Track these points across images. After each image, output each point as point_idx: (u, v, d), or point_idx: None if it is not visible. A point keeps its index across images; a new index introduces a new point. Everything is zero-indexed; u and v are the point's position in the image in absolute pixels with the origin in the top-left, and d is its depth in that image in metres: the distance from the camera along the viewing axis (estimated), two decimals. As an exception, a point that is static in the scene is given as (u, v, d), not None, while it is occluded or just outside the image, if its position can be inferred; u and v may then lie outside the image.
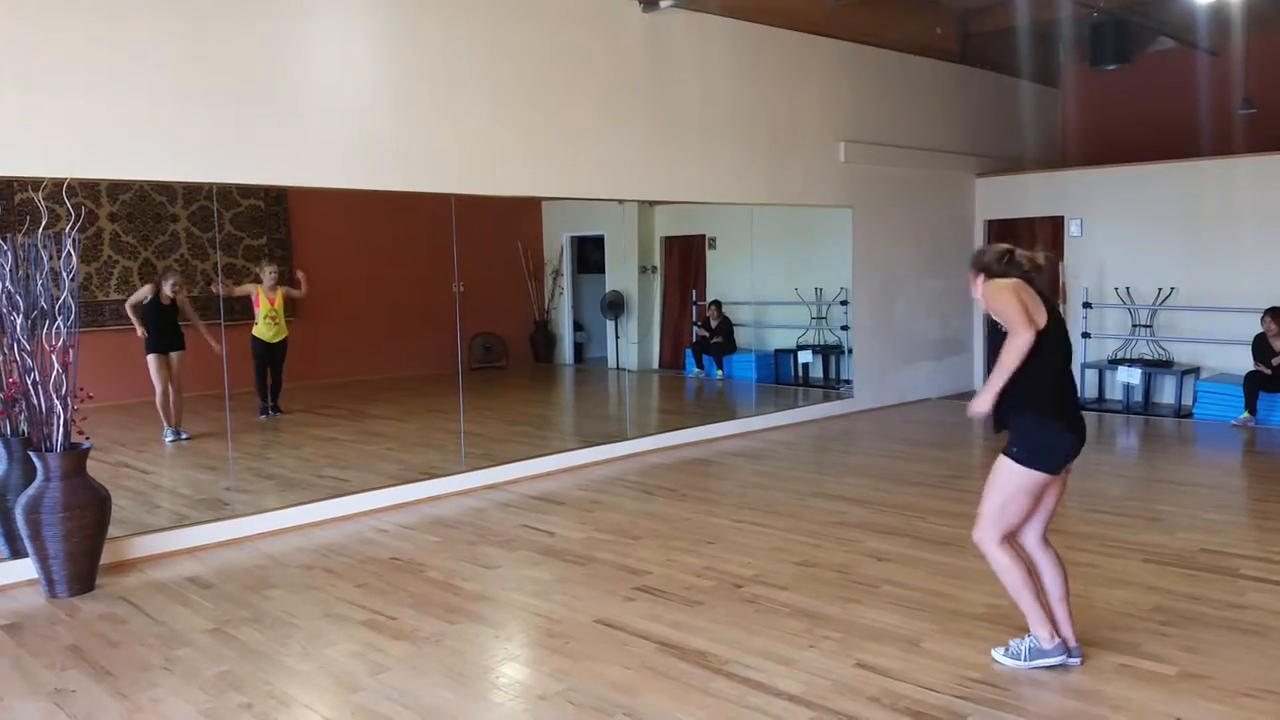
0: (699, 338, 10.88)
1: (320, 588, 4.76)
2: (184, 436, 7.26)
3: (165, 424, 7.17)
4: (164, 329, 7.08)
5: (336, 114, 5.95)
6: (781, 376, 10.45)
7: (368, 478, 6.70)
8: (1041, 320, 3.41)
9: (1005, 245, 3.64)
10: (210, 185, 6.22)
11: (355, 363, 9.24)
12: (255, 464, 7.06)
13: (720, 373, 10.74)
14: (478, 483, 6.75)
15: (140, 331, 6.99)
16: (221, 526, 5.63)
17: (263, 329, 7.84)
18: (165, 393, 7.08)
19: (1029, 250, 3.59)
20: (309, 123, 5.83)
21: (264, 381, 7.99)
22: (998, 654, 3.71)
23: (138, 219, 7.69)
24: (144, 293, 7.09)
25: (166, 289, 7.05)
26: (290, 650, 4.01)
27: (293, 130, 5.76)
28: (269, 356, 7.93)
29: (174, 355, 7.10)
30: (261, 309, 7.83)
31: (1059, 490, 3.67)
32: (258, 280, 7.99)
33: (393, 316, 9.11)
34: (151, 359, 7.03)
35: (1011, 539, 3.63)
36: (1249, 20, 9.19)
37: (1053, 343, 3.44)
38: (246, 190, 8.08)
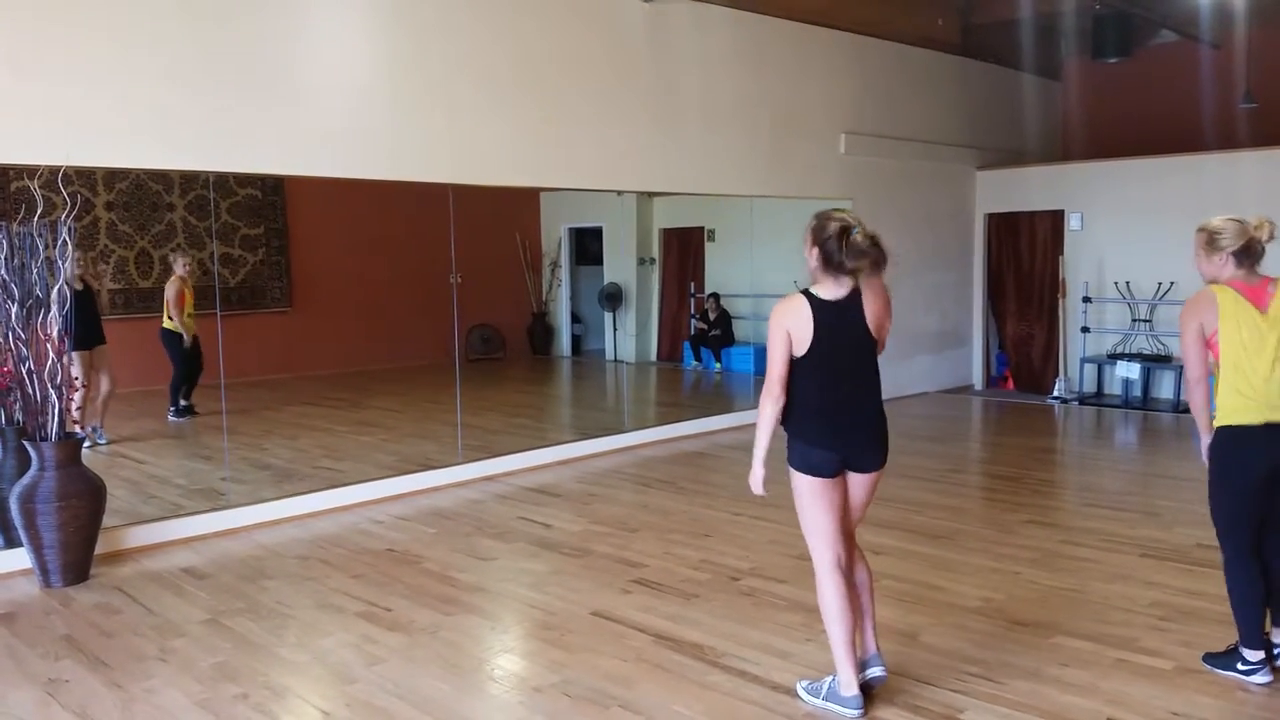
0: (697, 330, 10.86)
1: (316, 579, 4.75)
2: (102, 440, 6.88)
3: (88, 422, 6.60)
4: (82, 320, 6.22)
5: (334, 103, 5.91)
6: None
7: (364, 469, 6.69)
8: (801, 348, 3.18)
9: (841, 220, 3.20)
10: (207, 174, 6.19)
11: (352, 353, 9.22)
12: (251, 454, 7.03)
13: (718, 365, 10.73)
14: (474, 474, 6.73)
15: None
16: (217, 517, 5.62)
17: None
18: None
19: (865, 229, 3.20)
20: (307, 112, 5.79)
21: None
22: (800, 685, 3.43)
23: (134, 208, 7.67)
24: None
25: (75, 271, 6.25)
26: (285, 641, 3.99)
27: (290, 119, 5.72)
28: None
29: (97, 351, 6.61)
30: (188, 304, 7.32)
31: (857, 498, 3.34)
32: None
33: (390, 307, 9.10)
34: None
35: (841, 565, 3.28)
36: (1251, 14, 9.15)
37: (815, 360, 3.20)
38: (244, 179, 8.05)
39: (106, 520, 4.98)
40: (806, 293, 3.26)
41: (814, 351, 3.20)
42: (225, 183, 8.00)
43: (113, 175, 7.20)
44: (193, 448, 7.21)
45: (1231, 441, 3.38)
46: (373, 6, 6.13)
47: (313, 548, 5.26)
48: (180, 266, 7.22)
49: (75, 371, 6.16)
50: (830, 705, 3.31)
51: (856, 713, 3.25)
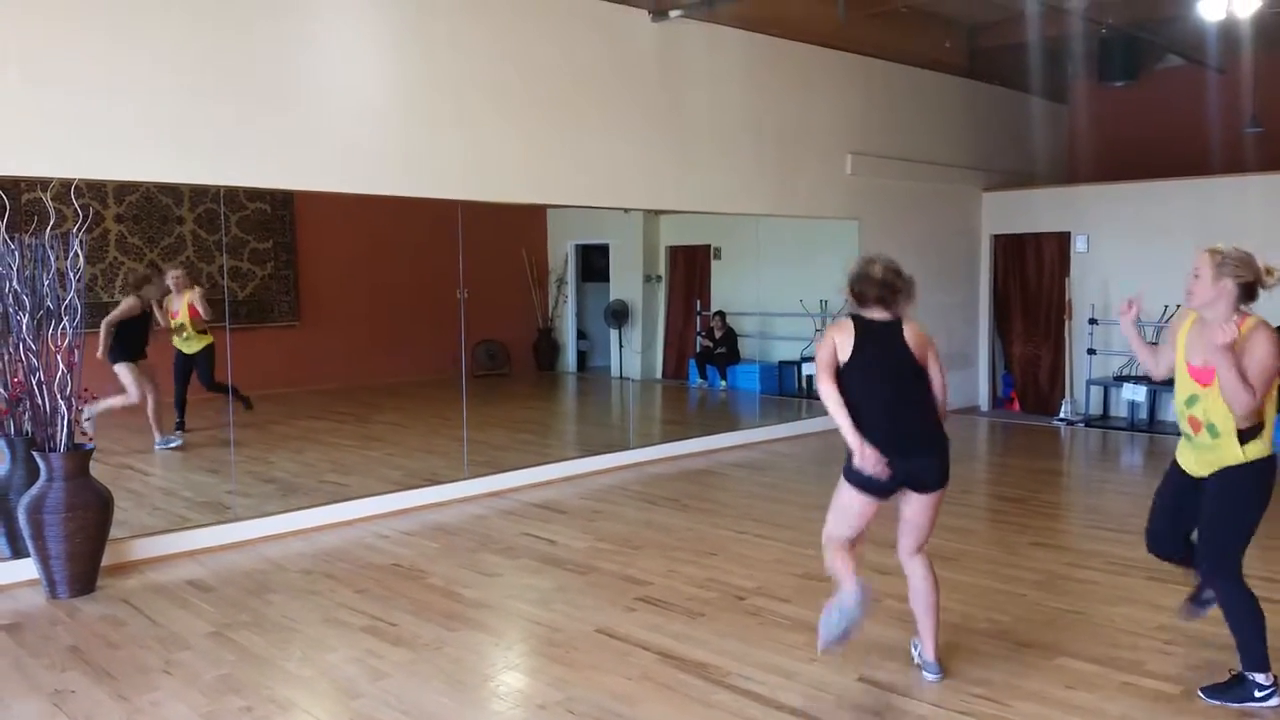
0: (703, 348, 10.87)
1: (321, 593, 4.75)
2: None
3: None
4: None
5: (344, 119, 5.96)
6: (785, 388, 10.43)
7: (370, 483, 6.69)
8: (844, 355, 3.50)
9: (871, 259, 3.67)
10: (217, 188, 6.24)
11: (359, 368, 9.24)
12: (257, 468, 7.05)
13: (724, 383, 10.73)
14: (480, 490, 6.74)
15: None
16: (223, 530, 5.63)
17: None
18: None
19: (885, 264, 3.63)
20: (317, 127, 5.84)
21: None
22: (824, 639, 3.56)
23: (144, 220, 7.71)
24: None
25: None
26: (290, 655, 4.00)
27: (301, 134, 5.77)
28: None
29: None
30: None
31: (916, 516, 3.69)
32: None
33: (397, 322, 9.12)
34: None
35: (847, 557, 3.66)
36: (1257, 39, 9.19)
37: (858, 371, 3.49)
38: (253, 193, 8.09)
39: (113, 532, 4.99)
40: (855, 315, 3.61)
41: (855, 361, 3.48)
42: (235, 197, 8.04)
43: (123, 188, 7.24)
44: (199, 461, 7.22)
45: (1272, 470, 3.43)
46: (385, 23, 6.18)
47: (318, 562, 5.27)
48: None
49: (129, 382, 6.77)
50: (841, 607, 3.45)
51: (856, 594, 3.47)
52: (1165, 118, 10.57)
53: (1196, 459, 3.53)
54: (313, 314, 8.92)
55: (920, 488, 3.56)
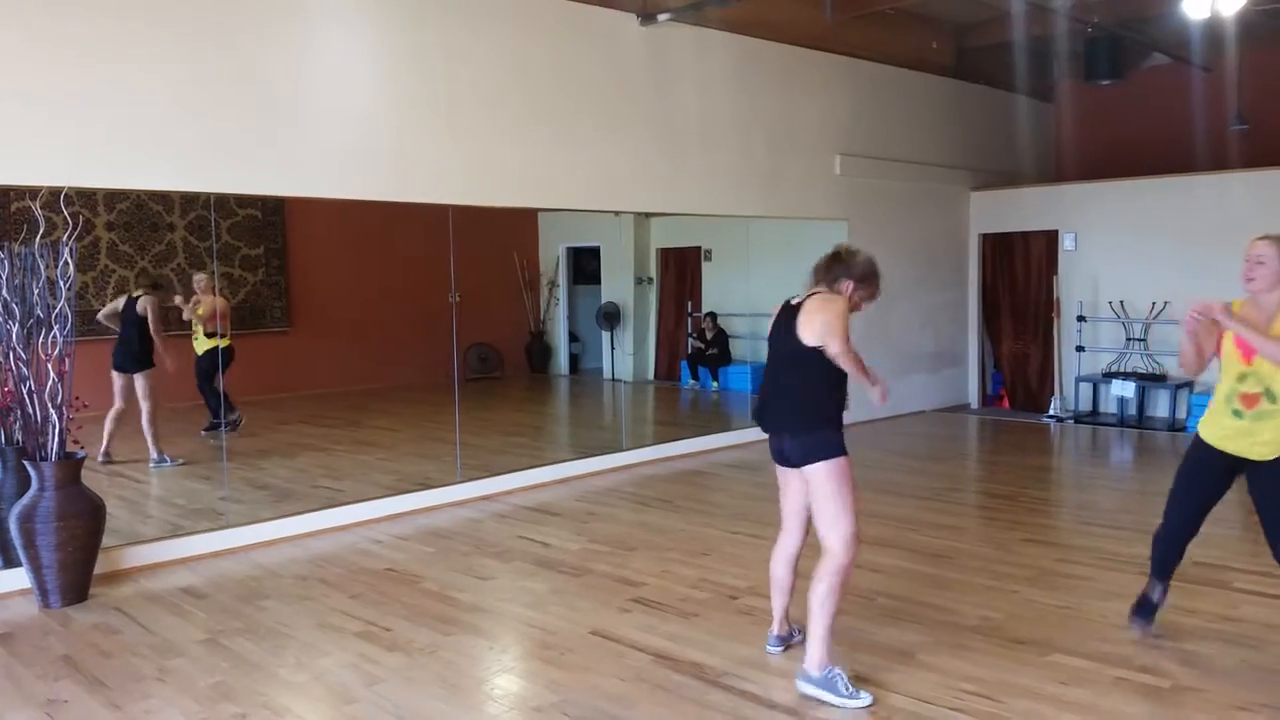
0: (694, 349, 10.89)
1: (314, 598, 4.75)
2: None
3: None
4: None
5: (335, 124, 5.96)
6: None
7: (362, 488, 6.69)
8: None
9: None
10: (208, 195, 6.23)
11: (351, 372, 9.23)
12: (250, 474, 7.04)
13: (715, 384, 10.75)
14: (473, 493, 6.74)
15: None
16: (215, 537, 5.62)
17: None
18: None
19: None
20: (308, 133, 5.84)
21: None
22: (805, 686, 3.57)
23: (135, 228, 7.70)
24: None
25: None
26: (284, 661, 4.00)
27: (291, 140, 5.77)
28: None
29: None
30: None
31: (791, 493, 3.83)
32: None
33: (389, 326, 9.12)
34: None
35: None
36: (1242, 37, 9.24)
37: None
38: (244, 200, 8.08)
39: (105, 540, 4.98)
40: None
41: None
42: (226, 203, 8.03)
43: (113, 196, 7.23)
44: (192, 468, 7.21)
45: None
46: (376, 30, 6.19)
47: (311, 567, 5.27)
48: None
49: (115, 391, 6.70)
50: (849, 700, 3.46)
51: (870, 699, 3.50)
52: (1151, 116, 10.63)
53: (1254, 440, 3.64)
54: (304, 320, 8.91)
55: (784, 462, 3.72)
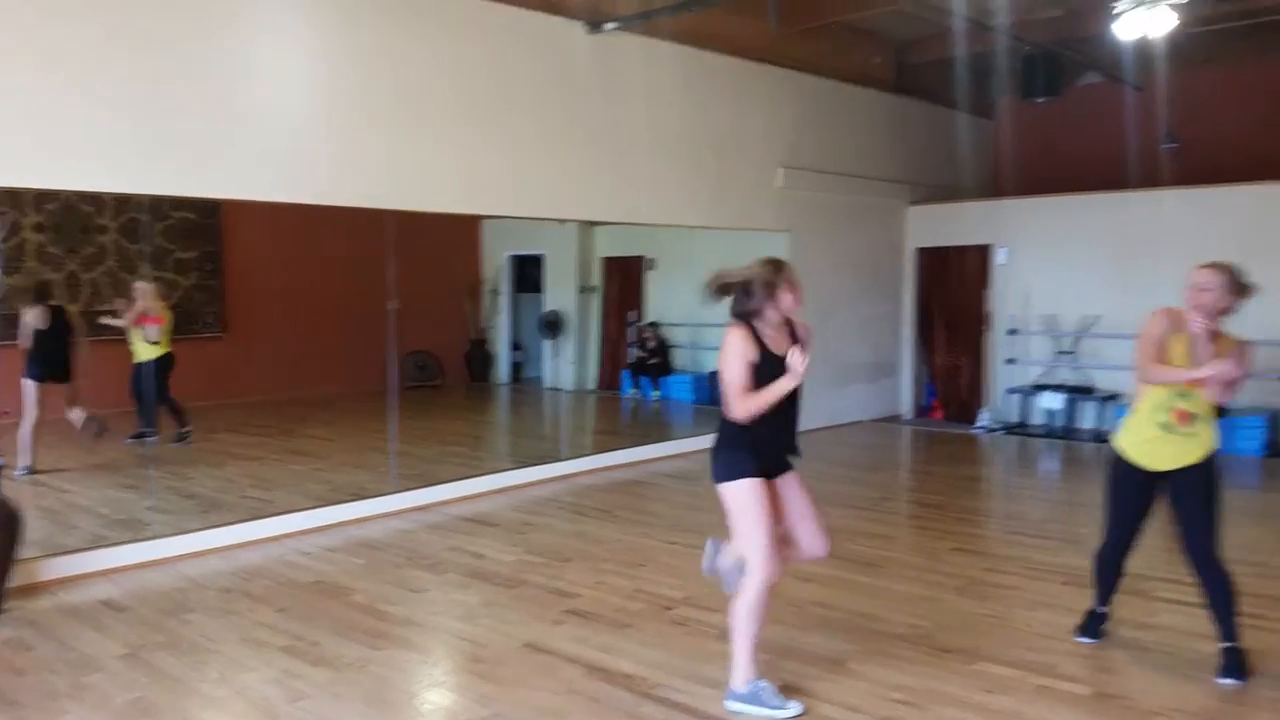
0: (636, 359, 10.89)
1: (239, 612, 4.65)
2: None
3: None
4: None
5: (273, 126, 5.85)
6: (717, 399, 10.48)
7: (293, 498, 6.57)
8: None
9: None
10: (141, 196, 6.08)
11: (285, 380, 9.08)
12: (177, 483, 6.87)
13: (656, 394, 10.77)
14: (408, 504, 6.65)
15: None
16: (139, 548, 5.47)
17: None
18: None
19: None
20: (245, 135, 5.72)
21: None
22: (731, 703, 3.58)
23: (64, 230, 7.49)
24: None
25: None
26: (206, 676, 3.90)
27: (228, 142, 5.65)
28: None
29: None
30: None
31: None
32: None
33: (326, 333, 8.99)
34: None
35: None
36: (1172, 58, 9.52)
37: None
38: (179, 202, 7.91)
39: (23, 551, 4.81)
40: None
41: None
42: (160, 205, 7.85)
43: (43, 196, 7.02)
44: (118, 477, 7.02)
45: None
46: (317, 32, 6.09)
47: (237, 580, 5.15)
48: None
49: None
50: (777, 710, 3.49)
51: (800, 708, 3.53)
52: (1086, 133, 10.90)
53: (1176, 452, 3.79)
54: (239, 325, 8.75)
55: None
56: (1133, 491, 3.96)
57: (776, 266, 3.65)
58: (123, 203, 7.21)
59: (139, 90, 5.31)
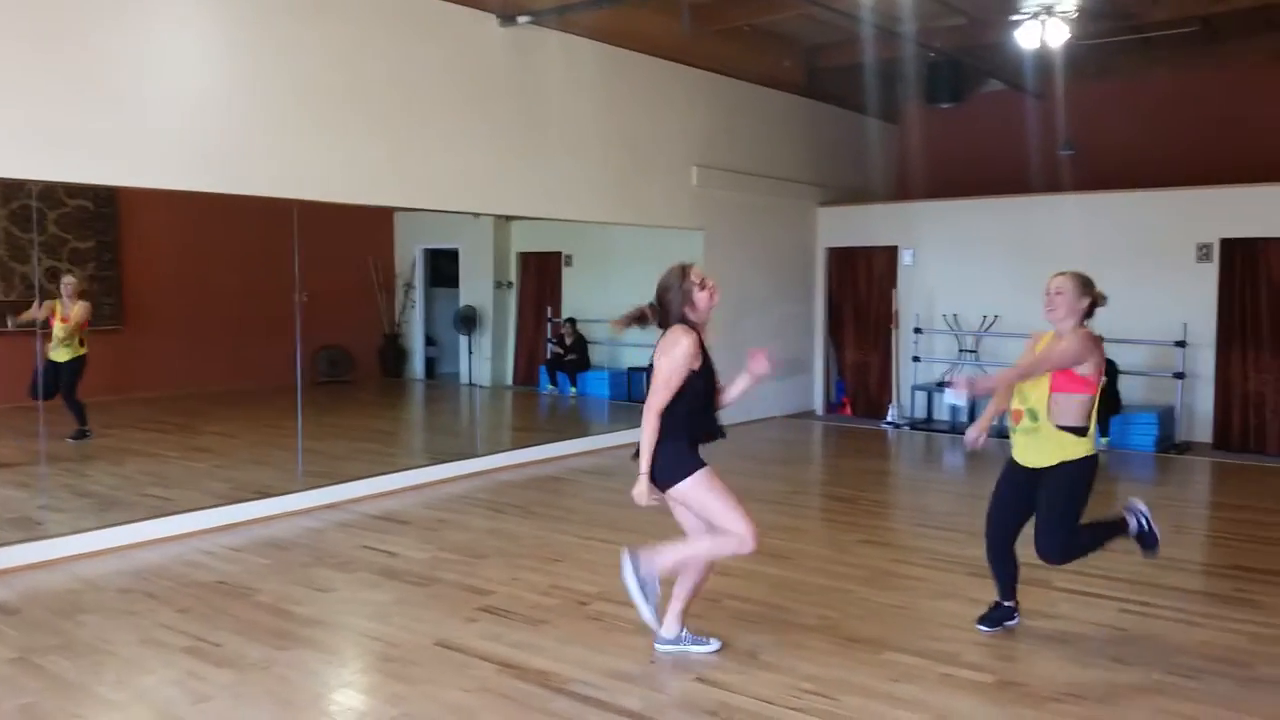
0: (553, 355, 10.86)
1: (138, 613, 4.49)
2: None
3: None
4: None
5: (172, 111, 5.65)
6: (635, 394, 10.54)
7: (194, 496, 6.36)
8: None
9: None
10: (33, 183, 5.81)
11: (186, 374, 8.80)
12: (72, 481, 6.60)
13: (574, 390, 10.75)
14: (316, 502, 6.50)
15: None
16: (31, 548, 5.23)
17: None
18: None
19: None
20: (143, 120, 5.51)
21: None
22: (661, 647, 4.00)
23: (-53, 217, 7.14)
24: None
25: None
26: (103, 679, 3.76)
27: (125, 127, 5.44)
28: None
29: None
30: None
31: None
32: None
33: (229, 326, 8.73)
34: None
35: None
36: (1069, 68, 9.91)
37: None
38: (74, 190, 7.60)
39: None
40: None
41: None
42: (53, 193, 7.53)
43: (-77, 181, 6.67)
44: (8, 474, 6.70)
45: None
46: (217, 15, 5.89)
47: (136, 580, 4.97)
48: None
49: None
50: (698, 645, 3.94)
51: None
52: (987, 139, 11.25)
53: (1024, 449, 4.11)
54: (138, 318, 8.46)
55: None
56: (1007, 484, 4.23)
57: (682, 270, 3.79)
58: (13, 189, 6.90)
59: (31, 72, 5.07)
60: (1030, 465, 4.07)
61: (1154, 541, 4.19)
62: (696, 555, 3.82)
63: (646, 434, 3.67)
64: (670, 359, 3.67)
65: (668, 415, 3.68)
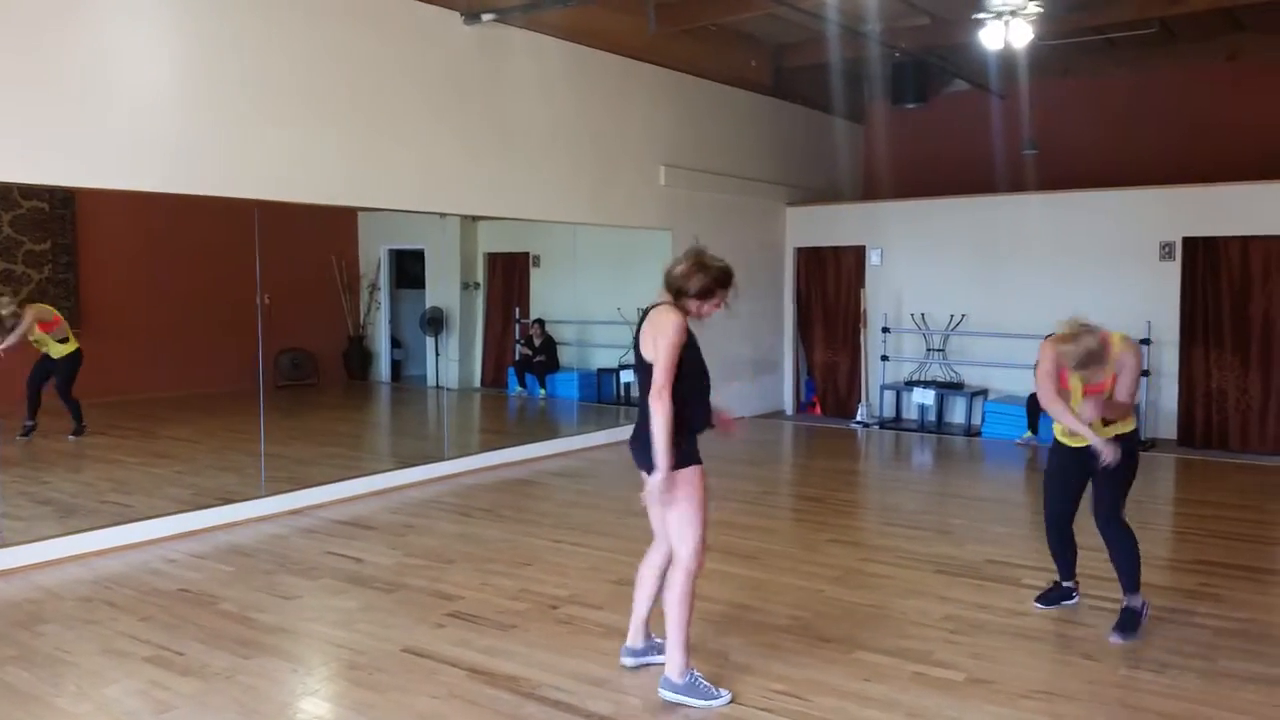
0: (522, 356, 10.79)
1: (100, 622, 4.39)
2: None
3: None
4: None
5: (130, 110, 5.53)
6: (604, 395, 10.51)
7: (156, 503, 6.24)
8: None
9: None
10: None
11: (146, 378, 8.63)
12: (30, 488, 6.45)
13: (543, 391, 10.69)
14: (280, 508, 6.40)
15: None
16: (-15, 558, 5.11)
17: None
18: None
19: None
20: (100, 119, 5.39)
21: None
22: (666, 692, 3.61)
23: (-102, 219, 6.97)
24: None
25: None
26: (64, 690, 3.67)
27: (81, 127, 5.32)
28: None
29: None
30: None
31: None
32: None
33: (190, 330, 8.57)
34: None
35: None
36: (1032, 69, 10.01)
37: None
38: (29, 191, 7.44)
39: None
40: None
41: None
42: (8, 194, 7.37)
43: None
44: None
45: None
46: (180, 16, 5.78)
47: (97, 589, 4.87)
48: None
49: None
50: (712, 701, 3.55)
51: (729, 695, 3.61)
52: (953, 139, 11.34)
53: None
54: (96, 321, 8.28)
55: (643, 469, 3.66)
56: (1057, 470, 4.54)
57: (728, 278, 3.76)
58: (-35, 191, 6.75)
59: (-17, 68, 4.95)
60: (1082, 445, 4.25)
61: (1133, 628, 4.20)
62: (676, 603, 3.59)
63: (660, 422, 3.41)
64: (666, 346, 3.48)
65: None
